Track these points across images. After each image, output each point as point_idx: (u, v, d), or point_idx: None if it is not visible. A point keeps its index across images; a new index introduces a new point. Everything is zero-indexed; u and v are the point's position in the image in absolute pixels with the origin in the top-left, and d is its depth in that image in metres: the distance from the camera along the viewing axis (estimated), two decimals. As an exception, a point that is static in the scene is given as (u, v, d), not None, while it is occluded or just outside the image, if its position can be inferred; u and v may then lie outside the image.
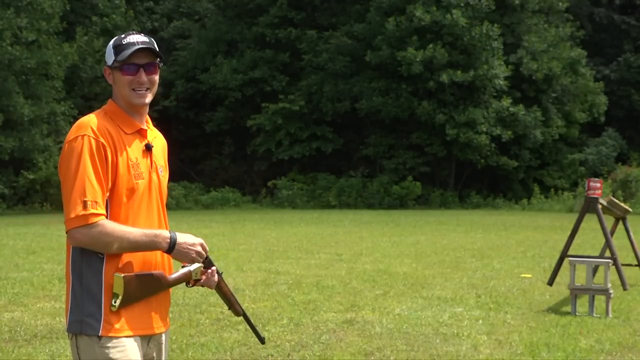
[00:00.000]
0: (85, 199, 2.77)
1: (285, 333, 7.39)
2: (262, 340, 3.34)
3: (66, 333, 3.00)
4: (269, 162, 37.90)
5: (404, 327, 7.71)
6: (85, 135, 2.84)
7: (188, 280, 3.01)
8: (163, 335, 3.08)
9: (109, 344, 2.84)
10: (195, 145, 40.38)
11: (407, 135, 36.12)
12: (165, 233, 2.90)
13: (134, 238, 2.83)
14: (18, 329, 7.50)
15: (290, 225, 22.28)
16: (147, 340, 2.99)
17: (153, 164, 3.02)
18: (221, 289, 3.18)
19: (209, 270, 3.05)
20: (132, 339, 2.89)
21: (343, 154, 38.51)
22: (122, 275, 2.84)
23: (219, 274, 3.12)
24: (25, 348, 6.76)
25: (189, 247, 2.94)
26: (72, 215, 2.78)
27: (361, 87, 36.01)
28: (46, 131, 30.92)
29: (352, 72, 36.75)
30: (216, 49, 39.58)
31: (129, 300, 2.86)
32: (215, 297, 9.17)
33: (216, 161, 40.02)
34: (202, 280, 3.05)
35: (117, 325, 2.85)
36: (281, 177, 36.37)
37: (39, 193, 30.50)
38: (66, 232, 2.84)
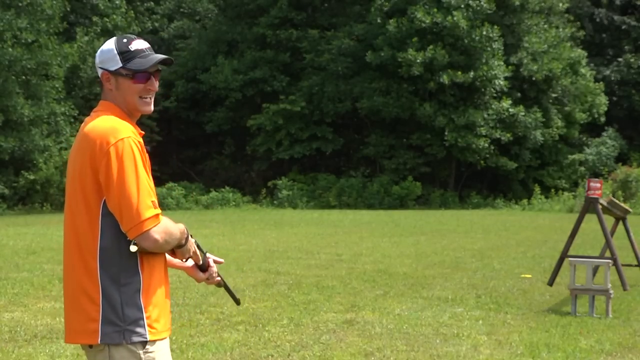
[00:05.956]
0: (153, 199, 2.73)
1: (286, 333, 7.39)
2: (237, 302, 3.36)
3: (74, 342, 2.85)
4: (269, 162, 37.88)
5: (404, 327, 7.71)
6: (129, 137, 2.76)
7: None
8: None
9: (153, 348, 2.79)
10: (195, 145, 40.41)
11: (407, 136, 36.11)
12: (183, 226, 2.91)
13: (176, 231, 2.82)
14: (18, 329, 7.50)
15: (290, 226, 22.26)
16: None
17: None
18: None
19: None
20: (164, 341, 2.87)
21: (343, 154, 38.47)
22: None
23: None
24: (25, 348, 6.76)
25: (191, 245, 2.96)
26: (147, 216, 2.69)
27: (362, 87, 35.98)
28: (46, 131, 30.91)
29: (353, 73, 36.73)
30: (216, 49, 39.57)
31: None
32: (215, 298, 9.18)
33: (216, 161, 40.00)
34: None
35: (158, 328, 2.81)
36: (281, 177, 36.30)
37: (39, 193, 30.48)
38: (137, 235, 2.70)
